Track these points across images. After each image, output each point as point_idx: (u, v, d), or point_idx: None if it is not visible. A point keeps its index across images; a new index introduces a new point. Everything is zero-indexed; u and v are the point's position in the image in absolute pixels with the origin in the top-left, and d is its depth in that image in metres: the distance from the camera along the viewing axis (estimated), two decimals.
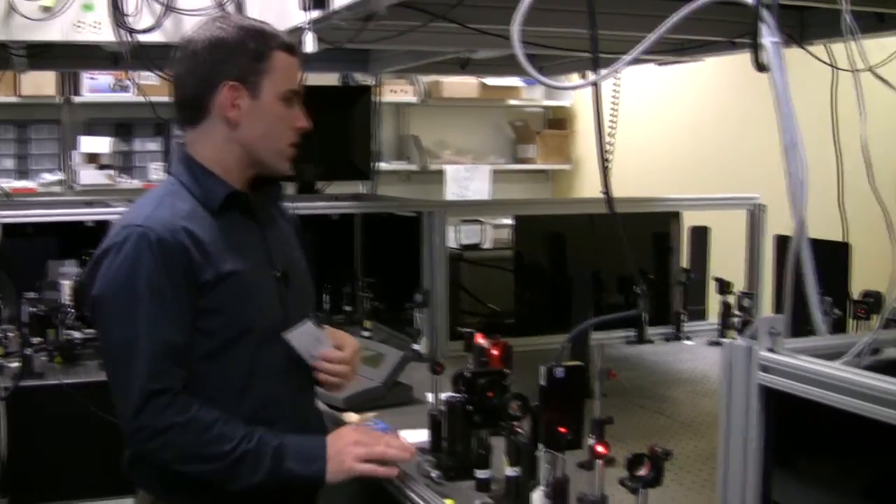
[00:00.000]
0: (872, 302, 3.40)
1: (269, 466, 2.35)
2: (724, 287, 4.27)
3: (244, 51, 2.45)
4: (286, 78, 2.51)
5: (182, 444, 2.33)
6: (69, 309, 4.02)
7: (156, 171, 7.05)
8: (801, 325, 1.63)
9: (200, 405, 2.35)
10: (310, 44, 3.08)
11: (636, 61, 4.08)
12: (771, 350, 1.47)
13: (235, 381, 2.44)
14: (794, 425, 1.53)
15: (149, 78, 5.07)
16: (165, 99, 5.44)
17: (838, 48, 1.95)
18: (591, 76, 1.99)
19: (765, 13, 1.58)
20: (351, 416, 3.10)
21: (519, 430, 2.30)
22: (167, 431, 2.30)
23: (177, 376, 2.34)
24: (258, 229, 2.57)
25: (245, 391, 2.45)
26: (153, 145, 7.16)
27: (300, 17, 3.05)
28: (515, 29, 1.73)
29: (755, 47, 1.59)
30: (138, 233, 2.35)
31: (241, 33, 2.47)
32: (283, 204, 2.78)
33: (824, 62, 3.09)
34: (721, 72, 6.15)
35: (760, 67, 1.60)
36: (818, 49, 3.28)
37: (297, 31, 3.11)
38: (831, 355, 1.52)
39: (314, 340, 2.56)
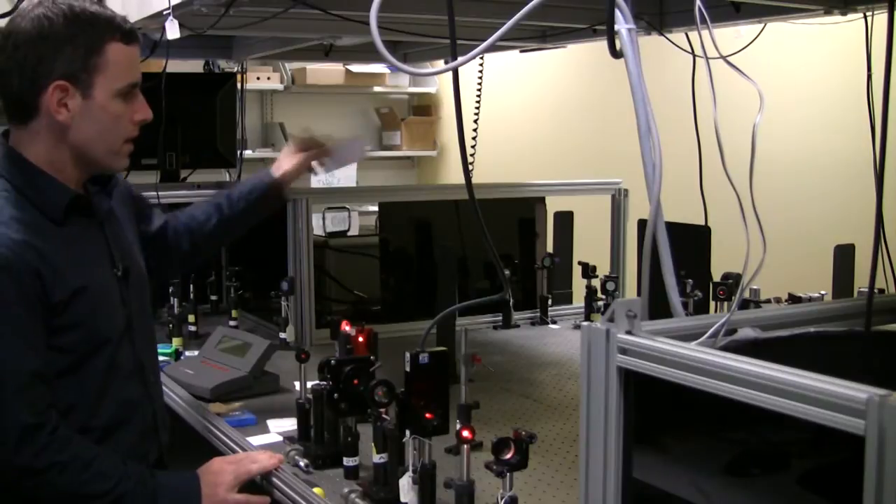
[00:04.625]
0: (732, 283, 3.48)
1: None
2: (588, 271, 4.32)
3: (74, 45, 2.27)
4: (124, 72, 2.34)
5: (61, 485, 2.25)
6: None
7: None
8: (663, 308, 1.66)
9: (79, 440, 2.29)
10: (171, 30, 3.03)
11: (497, 48, 4.10)
12: (629, 332, 1.49)
13: (92, 388, 2.38)
14: (656, 405, 1.56)
15: None
16: None
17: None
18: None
19: (620, 0, 1.60)
20: (217, 407, 3.07)
21: (385, 416, 2.31)
22: (47, 472, 2.22)
23: (46, 405, 2.25)
24: (99, 229, 2.48)
25: (102, 397, 2.40)
26: None
27: (161, 3, 3.01)
28: (373, 15, 1.73)
29: (611, 34, 1.61)
30: None
31: (70, 23, 2.27)
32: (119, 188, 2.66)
33: (684, 49, 3.14)
34: (585, 59, 6.23)
35: (616, 54, 1.62)
36: (680, 36, 3.34)
37: (158, 17, 3.06)
38: (689, 336, 1.55)
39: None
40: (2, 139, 2.41)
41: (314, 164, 3.15)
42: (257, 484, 2.52)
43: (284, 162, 3.10)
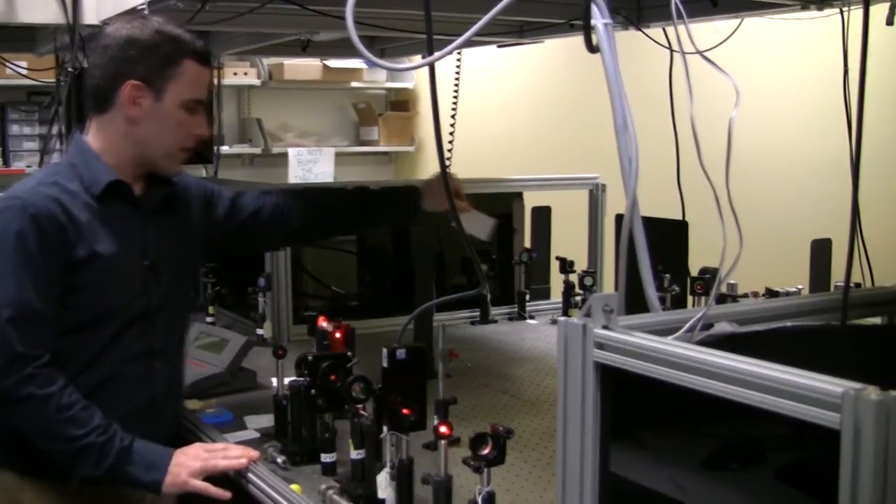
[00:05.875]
0: (709, 278, 3.48)
1: (111, 464, 2.42)
2: (565, 266, 4.33)
3: (155, 53, 2.53)
4: (193, 87, 2.59)
5: (35, 418, 2.41)
6: None
7: None
8: (641, 303, 1.66)
9: (65, 384, 2.41)
10: None
11: (474, 43, 4.07)
12: (605, 327, 1.49)
13: (84, 355, 2.51)
14: (633, 400, 1.57)
15: None
16: None
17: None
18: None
19: None
20: (194, 404, 3.07)
21: (363, 412, 2.31)
22: (24, 401, 2.38)
23: (43, 343, 2.41)
24: (139, 219, 2.64)
25: (90, 366, 2.52)
26: None
27: None
28: (349, 11, 1.73)
29: (587, 29, 1.61)
30: (17, 204, 2.44)
31: (155, 36, 2.54)
32: (187, 191, 2.82)
33: (661, 44, 3.15)
34: (563, 54, 6.23)
35: (592, 49, 1.62)
36: (658, 31, 3.34)
37: (134, 13, 3.05)
38: (667, 331, 1.55)
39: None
40: (77, 132, 2.68)
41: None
42: (231, 478, 2.52)
43: (434, 184, 3.08)
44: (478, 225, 3.19)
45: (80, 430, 2.40)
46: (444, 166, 2.15)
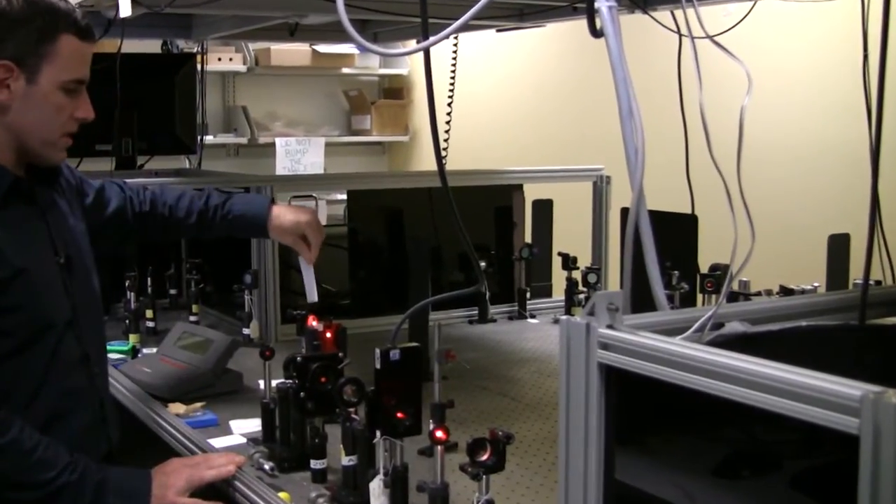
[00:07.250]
0: (720, 275, 3.48)
1: (90, 500, 2.34)
2: (568, 262, 4.32)
3: (27, 29, 2.36)
4: (73, 66, 2.44)
5: (0, 469, 2.28)
6: None
7: None
8: (648, 301, 1.66)
9: (22, 426, 2.30)
10: (124, 8, 3.01)
11: (472, 27, 4.08)
12: (610, 327, 1.49)
13: (33, 376, 2.42)
14: (639, 403, 1.56)
15: None
16: None
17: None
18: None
19: None
20: (176, 407, 3.06)
21: (354, 416, 2.30)
22: None
23: None
24: (40, 215, 2.53)
25: (43, 385, 2.44)
26: None
27: None
28: None
29: (591, 12, 1.61)
30: None
31: (27, 7, 2.36)
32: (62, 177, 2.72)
33: (669, 28, 3.14)
34: (565, 38, 6.23)
35: (596, 33, 1.62)
36: (666, 14, 3.33)
37: None
38: (674, 331, 1.55)
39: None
40: None
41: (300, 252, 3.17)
42: (217, 487, 2.51)
43: (287, 220, 3.12)
44: (311, 282, 3.21)
45: (51, 473, 2.30)
46: (439, 156, 2.15)
